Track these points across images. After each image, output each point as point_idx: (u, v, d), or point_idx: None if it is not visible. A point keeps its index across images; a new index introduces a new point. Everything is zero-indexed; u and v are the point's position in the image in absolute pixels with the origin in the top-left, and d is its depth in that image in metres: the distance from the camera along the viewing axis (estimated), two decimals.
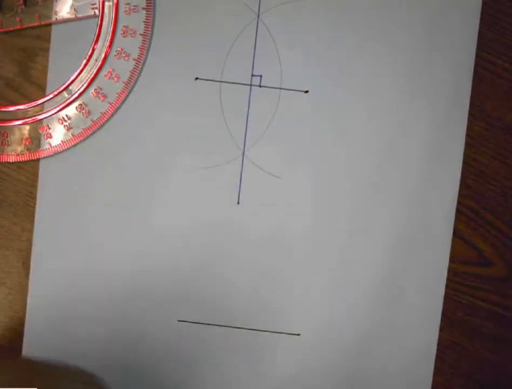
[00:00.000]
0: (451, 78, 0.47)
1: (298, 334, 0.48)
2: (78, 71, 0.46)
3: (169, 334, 0.48)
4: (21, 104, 0.47)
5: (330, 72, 0.47)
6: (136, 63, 0.46)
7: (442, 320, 0.48)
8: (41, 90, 0.47)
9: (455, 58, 0.47)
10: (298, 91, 0.47)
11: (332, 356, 0.48)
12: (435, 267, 0.48)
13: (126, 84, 0.46)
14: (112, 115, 0.47)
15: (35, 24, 0.46)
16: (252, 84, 0.47)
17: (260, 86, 0.47)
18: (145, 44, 0.46)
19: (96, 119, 0.46)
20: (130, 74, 0.46)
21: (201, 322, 0.48)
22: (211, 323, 0.48)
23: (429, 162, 0.47)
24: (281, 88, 0.47)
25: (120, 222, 0.48)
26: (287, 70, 0.47)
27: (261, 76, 0.47)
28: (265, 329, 0.48)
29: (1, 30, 0.47)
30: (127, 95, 0.47)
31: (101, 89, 0.46)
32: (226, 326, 0.48)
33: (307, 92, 0.47)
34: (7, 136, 0.46)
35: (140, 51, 0.46)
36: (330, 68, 0.47)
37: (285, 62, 0.47)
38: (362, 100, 0.47)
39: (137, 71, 0.46)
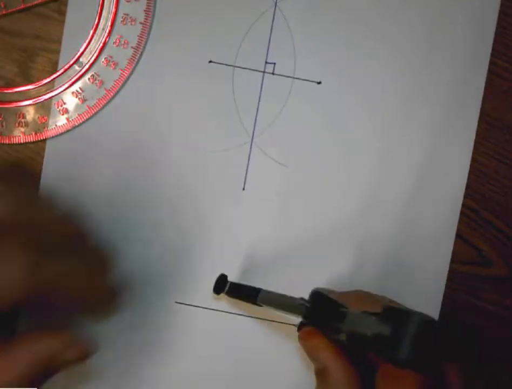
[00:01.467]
0: (462, 78, 0.48)
1: (295, 325, 0.47)
2: (87, 42, 0.46)
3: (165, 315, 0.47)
4: (32, 83, 0.46)
5: (344, 65, 0.47)
6: (143, 27, 0.46)
7: (441, 320, 0.48)
8: None
9: (467, 58, 0.48)
10: (311, 81, 0.47)
11: None
12: (436, 267, 0.48)
13: (136, 49, 0.46)
14: (124, 83, 0.46)
15: (39, 1, 0.46)
16: (265, 71, 0.47)
17: (273, 74, 0.47)
18: (150, 7, 0.46)
19: (110, 88, 0.46)
20: (138, 39, 0.46)
21: (199, 305, 0.47)
22: (210, 307, 0.47)
23: (437, 161, 0.48)
24: (294, 78, 0.47)
25: (121, 202, 0.47)
26: (301, 60, 0.47)
27: (274, 64, 0.47)
28: (264, 318, 0.47)
29: (5, 12, 0.46)
30: (138, 62, 0.46)
31: (111, 57, 0.46)
32: (224, 312, 0.47)
33: (319, 83, 0.47)
34: (23, 118, 0.46)
35: (146, 14, 0.46)
36: (344, 61, 0.47)
37: (299, 52, 0.47)
38: (374, 97, 0.48)
39: (145, 35, 0.46)
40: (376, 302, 0.39)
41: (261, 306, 0.43)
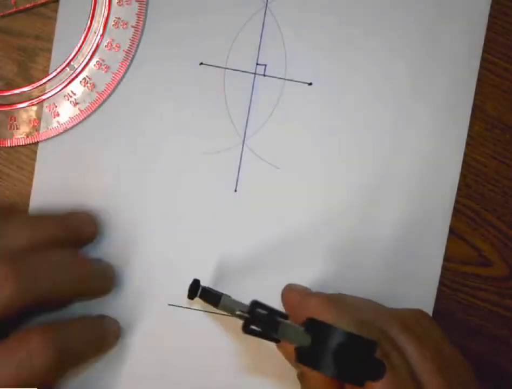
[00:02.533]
0: (455, 77, 0.47)
1: None
2: (79, 45, 0.46)
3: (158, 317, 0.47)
4: (25, 86, 0.46)
5: (335, 66, 0.47)
6: (135, 30, 0.46)
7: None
8: None
9: (460, 58, 0.47)
10: (302, 82, 0.47)
11: None
12: (430, 265, 0.47)
13: (127, 52, 0.46)
14: (116, 87, 0.47)
15: (31, 4, 0.46)
16: (256, 72, 0.47)
17: (264, 75, 0.47)
18: (141, 10, 0.46)
19: (102, 91, 0.46)
20: (130, 43, 0.46)
21: (191, 307, 0.47)
22: (202, 309, 0.47)
23: (429, 161, 0.47)
24: (285, 79, 0.47)
25: (113, 205, 0.47)
26: (292, 61, 0.47)
27: (265, 65, 0.47)
28: None
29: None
30: (129, 65, 0.47)
31: (103, 60, 0.46)
32: (216, 313, 0.47)
33: (310, 84, 0.47)
34: (15, 120, 0.46)
35: (138, 18, 0.46)
36: (335, 62, 0.47)
37: (290, 53, 0.47)
38: (365, 98, 0.47)
39: (137, 39, 0.46)
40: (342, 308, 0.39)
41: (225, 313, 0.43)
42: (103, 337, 0.45)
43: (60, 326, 0.41)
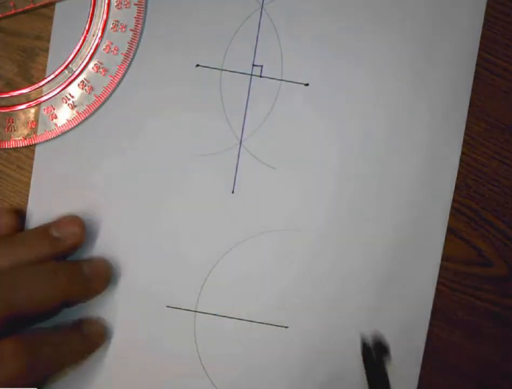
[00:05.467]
0: (452, 77, 0.47)
1: (286, 327, 0.47)
2: (77, 48, 0.47)
3: (156, 319, 0.47)
4: (23, 88, 0.47)
5: (331, 66, 0.47)
6: (134, 34, 0.47)
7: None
8: None
9: (457, 57, 0.47)
10: (298, 83, 0.47)
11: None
12: (428, 265, 0.47)
13: (126, 56, 0.47)
14: (114, 90, 0.47)
15: (30, 7, 0.47)
16: (253, 73, 0.47)
17: (261, 76, 0.47)
18: (140, 14, 0.47)
19: (100, 94, 0.46)
20: (129, 46, 0.47)
21: (189, 309, 0.47)
22: (200, 311, 0.47)
23: (427, 161, 0.47)
24: (281, 80, 0.47)
25: (110, 207, 0.47)
26: (288, 62, 0.47)
27: (262, 66, 0.47)
28: (253, 320, 0.47)
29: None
30: (128, 68, 0.47)
31: (101, 63, 0.47)
32: (214, 315, 0.47)
33: (307, 84, 0.47)
34: (13, 122, 0.47)
35: (137, 21, 0.47)
36: (332, 63, 0.47)
37: (287, 54, 0.47)
38: (362, 98, 0.47)
39: (136, 42, 0.47)
40: None
41: None
42: (83, 341, 0.45)
43: (35, 334, 0.42)
